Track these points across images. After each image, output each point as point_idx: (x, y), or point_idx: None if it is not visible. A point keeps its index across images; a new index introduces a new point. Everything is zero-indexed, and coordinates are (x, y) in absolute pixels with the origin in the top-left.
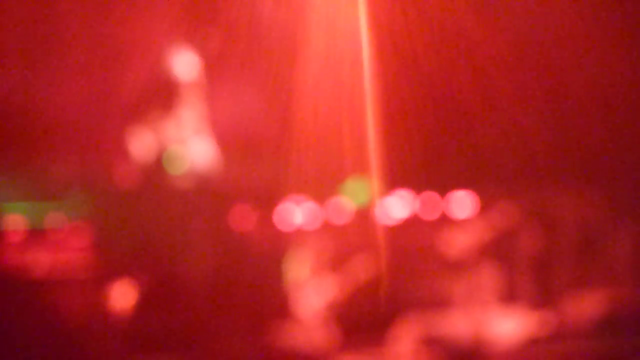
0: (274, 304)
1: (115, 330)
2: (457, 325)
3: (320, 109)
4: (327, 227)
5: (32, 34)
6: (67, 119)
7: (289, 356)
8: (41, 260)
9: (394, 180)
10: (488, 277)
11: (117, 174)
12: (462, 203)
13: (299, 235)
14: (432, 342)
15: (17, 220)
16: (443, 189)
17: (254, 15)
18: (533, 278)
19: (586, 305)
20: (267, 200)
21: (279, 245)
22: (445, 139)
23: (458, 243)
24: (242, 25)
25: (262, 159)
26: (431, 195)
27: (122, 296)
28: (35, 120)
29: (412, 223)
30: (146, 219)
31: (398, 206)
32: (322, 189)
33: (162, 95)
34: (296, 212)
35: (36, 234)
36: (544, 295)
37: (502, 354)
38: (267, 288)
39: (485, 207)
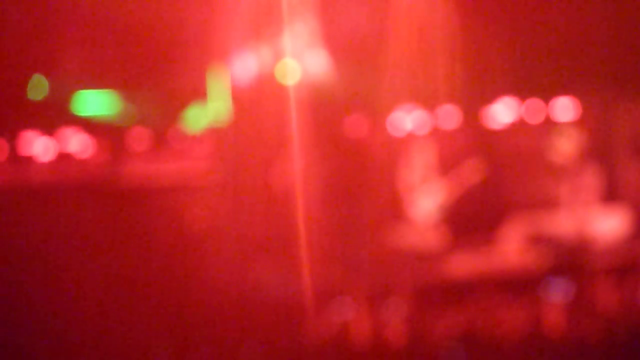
0: (390, 206)
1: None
2: (561, 224)
3: (421, 26)
4: (437, 133)
5: None
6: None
7: (405, 255)
8: (168, 168)
9: (499, 87)
10: (590, 179)
11: (237, 87)
12: (564, 108)
13: (411, 140)
14: (538, 241)
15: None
16: (546, 96)
17: None
18: (630, 179)
19: None
20: (381, 108)
21: (392, 150)
22: (542, 49)
23: (561, 146)
24: None
25: (375, 70)
26: (535, 101)
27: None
28: (167, 41)
29: (518, 127)
30: (262, 126)
31: (504, 112)
32: (431, 97)
33: (281, 11)
34: (407, 119)
35: (164, 145)
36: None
37: (602, 252)
38: (383, 191)
39: (585, 112)
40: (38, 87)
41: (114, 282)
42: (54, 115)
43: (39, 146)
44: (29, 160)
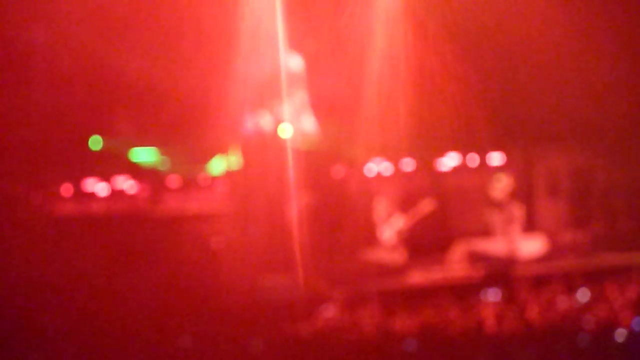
0: (364, 231)
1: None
2: (494, 246)
3: (387, 95)
4: (399, 176)
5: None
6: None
7: (378, 264)
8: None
9: (446, 142)
10: (515, 212)
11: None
12: (496, 159)
13: (379, 182)
14: (476, 259)
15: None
16: (482, 149)
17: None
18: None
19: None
20: (356, 157)
21: (365, 189)
22: (479, 116)
23: (494, 186)
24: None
25: (352, 129)
26: (474, 153)
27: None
28: (193, 107)
29: (461, 173)
30: (266, 170)
31: (450, 160)
32: (394, 149)
33: (276, 82)
34: (376, 166)
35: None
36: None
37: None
38: (359, 219)
39: (511, 161)
40: (96, 142)
41: (157, 286)
42: (108, 163)
43: (97, 187)
44: (90, 197)
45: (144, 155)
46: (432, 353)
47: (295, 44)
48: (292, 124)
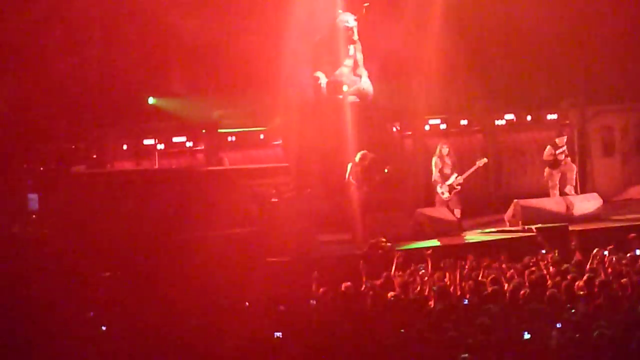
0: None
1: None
2: (550, 205)
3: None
4: (455, 135)
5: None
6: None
7: (435, 221)
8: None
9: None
10: (573, 171)
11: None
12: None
13: (435, 142)
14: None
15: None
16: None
17: None
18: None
19: None
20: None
21: (423, 148)
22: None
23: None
24: None
25: (408, 88)
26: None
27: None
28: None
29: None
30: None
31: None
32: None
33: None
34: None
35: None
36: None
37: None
38: (416, 177)
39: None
40: (153, 101)
41: (214, 241)
42: (166, 122)
43: (154, 144)
44: (148, 153)
45: (197, 112)
46: (487, 311)
47: (351, 2)
48: (348, 81)
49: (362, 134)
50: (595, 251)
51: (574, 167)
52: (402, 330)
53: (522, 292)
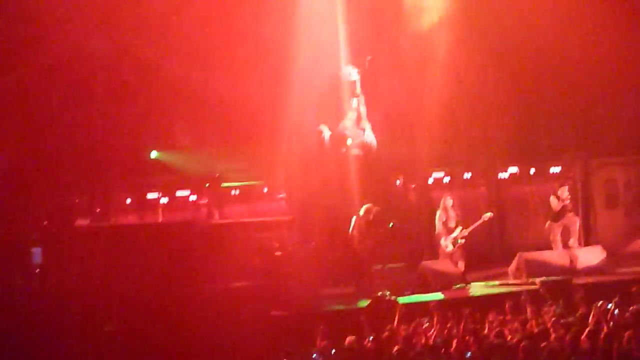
0: (425, 241)
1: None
2: (554, 257)
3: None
4: (459, 187)
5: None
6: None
7: (439, 274)
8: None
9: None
10: (576, 223)
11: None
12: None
13: (440, 193)
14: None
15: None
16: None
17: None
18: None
19: None
20: (416, 169)
21: (426, 200)
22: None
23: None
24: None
25: (411, 142)
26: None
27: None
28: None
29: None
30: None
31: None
32: (454, 162)
33: (335, 94)
34: (437, 178)
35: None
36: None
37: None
38: (419, 229)
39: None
40: (155, 154)
41: (217, 294)
42: (168, 174)
43: (157, 197)
44: (151, 206)
45: (202, 166)
46: None
47: (354, 56)
48: (352, 134)
49: (366, 187)
50: (599, 304)
51: (577, 220)
52: None
53: (523, 344)
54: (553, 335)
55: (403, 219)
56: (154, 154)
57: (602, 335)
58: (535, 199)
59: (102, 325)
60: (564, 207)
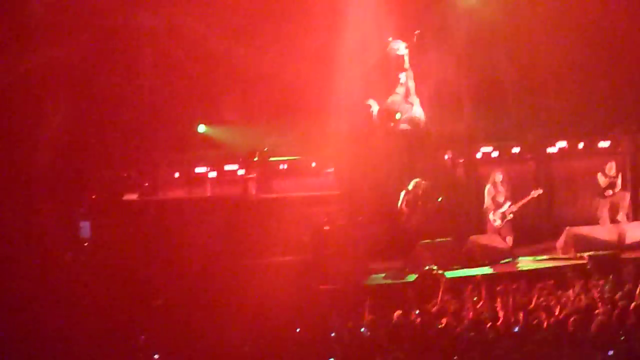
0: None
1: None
2: (602, 233)
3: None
4: (507, 163)
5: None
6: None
7: (487, 249)
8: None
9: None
10: (625, 199)
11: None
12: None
13: (487, 170)
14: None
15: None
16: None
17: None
18: None
19: None
20: (465, 143)
21: (475, 175)
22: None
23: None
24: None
25: (461, 115)
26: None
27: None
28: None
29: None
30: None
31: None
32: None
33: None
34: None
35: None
36: None
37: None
38: (468, 204)
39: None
40: (203, 129)
41: (263, 269)
42: (216, 150)
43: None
44: (200, 178)
45: (250, 140)
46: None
47: (403, 30)
48: (400, 109)
49: (414, 161)
50: None
51: (626, 195)
52: (455, 358)
53: (572, 319)
54: (601, 310)
55: (451, 194)
56: (201, 129)
57: None
58: (584, 173)
59: (150, 300)
60: (611, 183)
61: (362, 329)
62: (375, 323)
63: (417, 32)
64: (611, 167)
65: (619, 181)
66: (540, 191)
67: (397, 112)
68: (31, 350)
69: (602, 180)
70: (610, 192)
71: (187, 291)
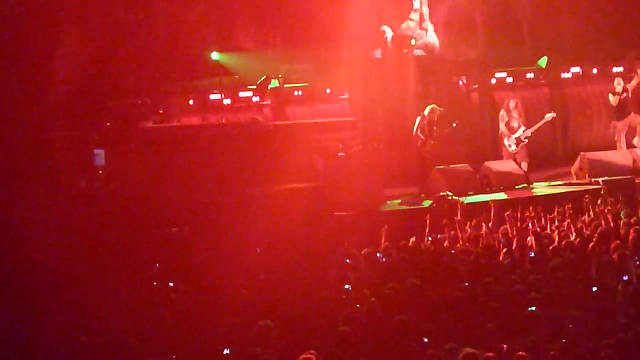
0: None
1: None
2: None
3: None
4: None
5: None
6: None
7: (502, 174)
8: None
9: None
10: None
11: None
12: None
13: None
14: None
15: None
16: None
17: None
18: None
19: None
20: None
21: (489, 101)
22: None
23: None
24: None
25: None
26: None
27: None
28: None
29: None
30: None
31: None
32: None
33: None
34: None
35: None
36: None
37: None
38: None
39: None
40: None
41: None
42: (229, 77)
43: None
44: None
45: (265, 67)
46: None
47: None
48: (415, 35)
49: (429, 87)
50: None
51: None
52: (466, 284)
53: (589, 244)
54: (616, 235)
55: (466, 120)
56: (215, 56)
57: None
58: (598, 98)
59: (166, 227)
60: (622, 101)
61: (378, 255)
62: (390, 249)
63: None
64: (618, 83)
65: (635, 105)
66: (553, 114)
67: (411, 38)
68: (44, 280)
69: (612, 100)
70: (625, 115)
71: (202, 218)
